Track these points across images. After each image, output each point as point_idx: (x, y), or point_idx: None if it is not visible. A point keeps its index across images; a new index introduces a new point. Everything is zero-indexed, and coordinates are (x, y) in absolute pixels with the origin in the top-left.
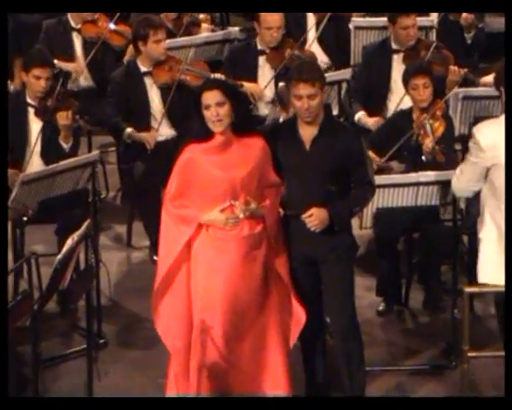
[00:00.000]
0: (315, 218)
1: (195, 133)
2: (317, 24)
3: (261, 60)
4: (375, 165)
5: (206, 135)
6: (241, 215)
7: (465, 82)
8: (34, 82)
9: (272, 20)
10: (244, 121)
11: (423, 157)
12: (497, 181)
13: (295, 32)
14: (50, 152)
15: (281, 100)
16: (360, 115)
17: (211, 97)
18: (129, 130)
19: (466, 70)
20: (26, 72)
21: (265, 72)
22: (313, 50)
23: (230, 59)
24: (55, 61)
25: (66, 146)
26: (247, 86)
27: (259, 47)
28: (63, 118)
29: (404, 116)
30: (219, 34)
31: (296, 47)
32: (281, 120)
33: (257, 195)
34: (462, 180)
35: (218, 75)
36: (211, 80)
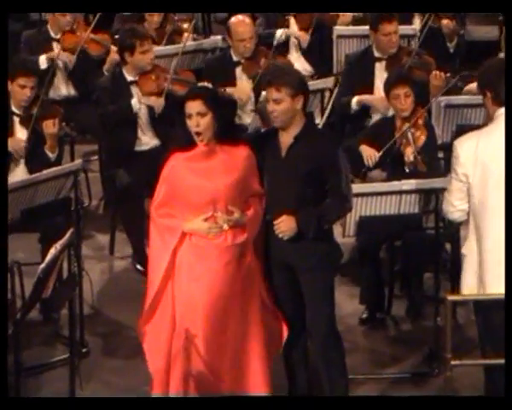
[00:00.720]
0: (283, 225)
1: (179, 141)
2: (301, 32)
3: (238, 71)
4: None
5: (190, 143)
6: (225, 226)
7: (448, 89)
8: (19, 91)
9: (243, 32)
10: (228, 130)
11: (405, 168)
12: (473, 198)
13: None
14: (35, 161)
15: (261, 114)
16: (358, 97)
17: (193, 107)
18: (134, 98)
19: (448, 75)
20: (10, 81)
21: (244, 82)
22: (296, 59)
23: (208, 72)
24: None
25: (51, 155)
26: (233, 91)
27: (235, 58)
28: (49, 126)
29: (387, 124)
30: (202, 43)
31: (271, 55)
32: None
33: (240, 203)
34: (451, 201)
35: (204, 84)
36: (194, 89)
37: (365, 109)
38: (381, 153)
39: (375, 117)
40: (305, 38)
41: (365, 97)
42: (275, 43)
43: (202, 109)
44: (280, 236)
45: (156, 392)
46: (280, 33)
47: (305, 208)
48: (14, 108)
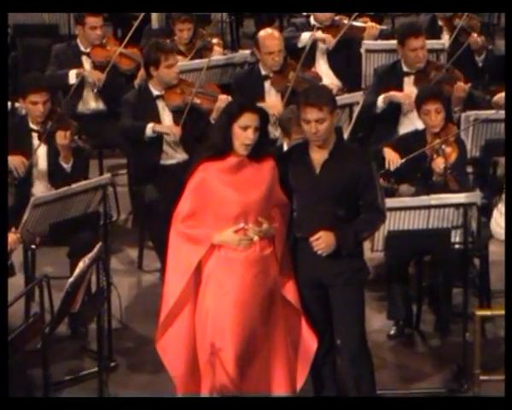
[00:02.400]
0: (322, 241)
1: (211, 147)
2: (328, 49)
3: (266, 85)
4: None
5: (224, 151)
6: (256, 238)
7: (472, 101)
8: (32, 108)
9: (272, 45)
10: (263, 147)
11: (434, 177)
12: None
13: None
14: (54, 174)
15: (283, 127)
16: (385, 94)
17: (252, 120)
18: (150, 124)
19: (470, 85)
20: (23, 98)
21: (272, 96)
22: (325, 73)
23: (236, 87)
24: (80, 70)
25: (66, 166)
26: (267, 105)
27: (263, 72)
28: (61, 137)
29: (418, 137)
30: (230, 57)
31: (299, 69)
32: (284, 146)
33: (267, 215)
34: (500, 223)
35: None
36: (253, 102)
37: (392, 117)
38: (403, 160)
39: (403, 129)
40: (331, 41)
41: (392, 93)
42: (299, 45)
43: (258, 124)
44: (319, 252)
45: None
46: (306, 36)
47: (341, 224)
48: (31, 125)
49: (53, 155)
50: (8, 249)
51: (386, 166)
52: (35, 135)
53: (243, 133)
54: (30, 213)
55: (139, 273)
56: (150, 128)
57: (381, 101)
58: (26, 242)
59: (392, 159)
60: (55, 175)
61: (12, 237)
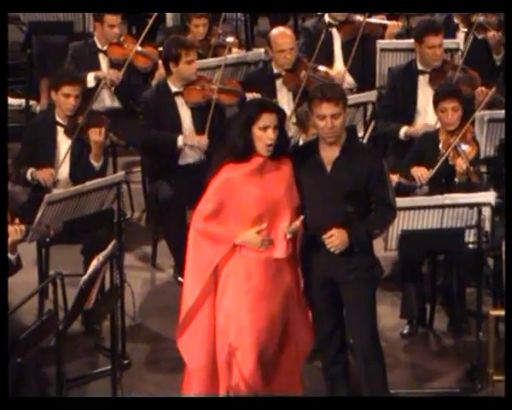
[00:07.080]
0: (335, 238)
1: (234, 151)
2: (343, 46)
3: (278, 83)
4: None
5: (247, 154)
6: (289, 235)
7: (492, 103)
8: (64, 100)
9: (284, 43)
10: (282, 146)
11: (456, 179)
12: None
13: (322, 53)
14: (80, 171)
15: (300, 122)
16: (406, 129)
17: (271, 120)
18: (180, 137)
19: (493, 90)
20: (55, 90)
21: (283, 94)
22: (340, 72)
23: (248, 84)
24: (97, 73)
25: (96, 165)
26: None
27: (275, 71)
28: (95, 134)
29: (430, 139)
30: (245, 55)
31: (311, 68)
32: (300, 141)
33: (289, 215)
34: None
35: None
36: (271, 102)
37: (408, 115)
38: (433, 171)
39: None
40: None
41: (411, 130)
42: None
43: (277, 123)
44: (332, 250)
45: (195, 391)
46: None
47: (353, 221)
48: (58, 119)
49: (77, 150)
50: (9, 241)
51: (417, 181)
52: (60, 129)
53: (264, 134)
54: (44, 211)
55: (153, 271)
56: (181, 140)
57: (403, 133)
58: (42, 234)
59: (422, 174)
60: (83, 173)
61: (10, 228)
